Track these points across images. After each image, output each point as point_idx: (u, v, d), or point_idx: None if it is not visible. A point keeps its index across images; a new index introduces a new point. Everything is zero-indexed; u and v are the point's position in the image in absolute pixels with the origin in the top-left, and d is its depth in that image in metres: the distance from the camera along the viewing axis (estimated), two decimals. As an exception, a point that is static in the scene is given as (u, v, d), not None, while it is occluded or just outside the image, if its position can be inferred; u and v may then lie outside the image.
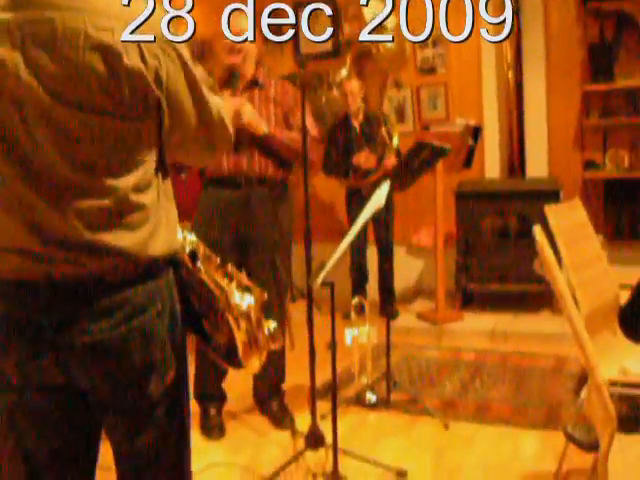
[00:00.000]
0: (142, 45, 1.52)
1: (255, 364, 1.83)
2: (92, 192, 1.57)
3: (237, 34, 3.65)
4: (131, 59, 1.49)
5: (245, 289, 1.82)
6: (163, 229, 1.70)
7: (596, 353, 2.56)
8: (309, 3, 7.20)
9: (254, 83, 3.78)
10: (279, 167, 3.78)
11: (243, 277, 1.86)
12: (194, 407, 3.85)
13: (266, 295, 1.86)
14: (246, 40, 3.66)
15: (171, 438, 1.84)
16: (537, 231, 2.65)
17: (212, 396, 3.94)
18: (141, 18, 1.54)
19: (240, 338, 1.76)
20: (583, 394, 3.24)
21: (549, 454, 3.44)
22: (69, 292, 1.61)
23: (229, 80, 3.65)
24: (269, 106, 3.76)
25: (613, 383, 2.77)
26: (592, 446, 2.98)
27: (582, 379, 4.19)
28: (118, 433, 1.81)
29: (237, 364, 1.83)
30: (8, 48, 1.48)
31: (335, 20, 7.02)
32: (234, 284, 1.81)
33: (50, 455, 1.76)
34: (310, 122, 3.80)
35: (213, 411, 3.93)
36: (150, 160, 1.66)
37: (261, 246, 3.74)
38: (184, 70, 1.63)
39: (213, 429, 3.86)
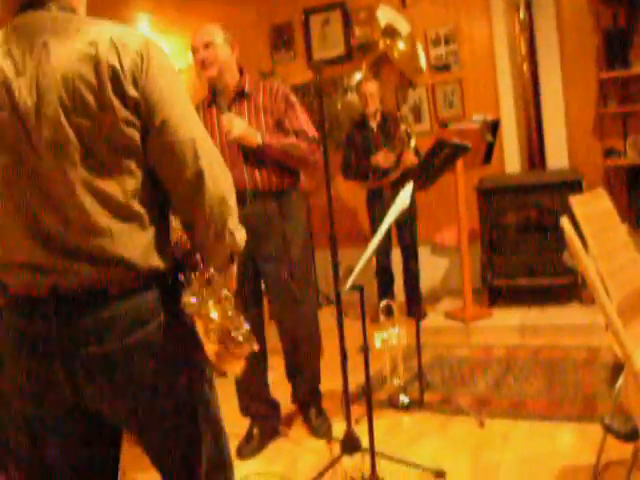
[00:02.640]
0: (120, 51, 1.64)
1: (234, 369, 1.83)
2: (90, 197, 1.65)
3: (206, 46, 3.58)
4: (110, 62, 1.62)
5: (220, 297, 1.83)
6: (162, 241, 1.77)
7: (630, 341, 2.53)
8: (320, 9, 7.27)
9: (241, 94, 3.68)
10: (283, 175, 3.67)
11: (220, 284, 1.85)
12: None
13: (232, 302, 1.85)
14: (215, 51, 3.59)
15: (202, 445, 1.88)
16: (565, 222, 2.63)
17: (253, 414, 3.92)
18: (121, 31, 1.69)
19: (211, 349, 1.77)
20: (619, 384, 3.21)
21: (587, 447, 3.40)
22: (74, 305, 1.68)
23: (213, 99, 3.64)
24: (260, 115, 3.64)
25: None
26: (631, 436, 2.95)
27: (616, 369, 4.15)
28: (144, 447, 1.88)
29: (220, 372, 1.84)
30: (12, 73, 1.64)
31: (346, 25, 7.08)
32: (209, 292, 1.81)
33: (71, 472, 1.84)
34: (306, 122, 3.72)
35: (255, 430, 3.87)
36: (142, 170, 1.72)
37: (272, 258, 3.68)
38: (164, 75, 1.70)
39: (244, 450, 3.81)
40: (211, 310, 1.77)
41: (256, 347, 1.85)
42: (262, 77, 3.79)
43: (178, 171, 1.71)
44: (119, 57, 1.63)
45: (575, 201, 3.17)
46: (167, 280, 1.78)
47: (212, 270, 1.84)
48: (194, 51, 3.63)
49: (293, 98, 3.73)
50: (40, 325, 1.69)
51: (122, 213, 1.68)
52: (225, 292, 1.84)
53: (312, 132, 3.69)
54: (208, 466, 1.90)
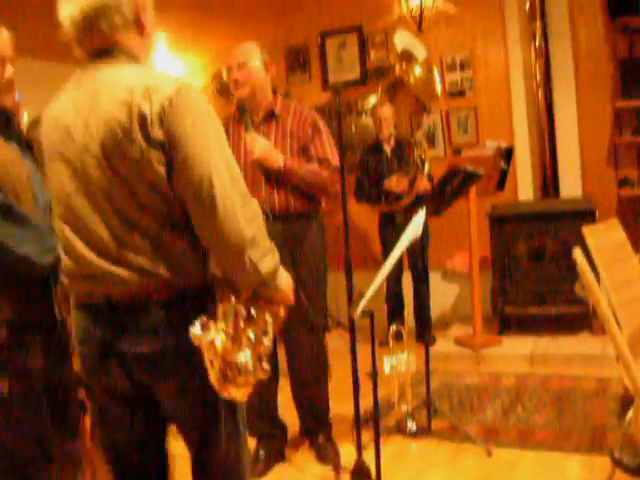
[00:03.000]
0: (152, 98, 1.87)
1: (236, 394, 2.00)
2: (127, 225, 1.95)
3: (240, 66, 3.61)
4: (141, 108, 1.86)
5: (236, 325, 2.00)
6: (191, 265, 2.02)
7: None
8: (336, 32, 7.30)
9: (270, 115, 3.69)
10: (303, 199, 3.66)
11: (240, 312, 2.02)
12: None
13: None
14: (248, 71, 3.61)
15: (218, 448, 2.16)
16: (577, 253, 2.61)
17: (260, 434, 3.88)
18: (159, 78, 1.96)
19: (213, 376, 1.95)
20: (629, 417, 3.18)
21: (595, 479, 3.37)
22: (123, 312, 2.00)
23: (239, 116, 3.63)
24: (286, 138, 3.63)
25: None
26: (640, 470, 2.92)
27: (626, 401, 4.12)
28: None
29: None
30: (72, 114, 1.97)
31: (362, 48, 7.11)
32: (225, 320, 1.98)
33: (130, 450, 2.22)
34: (332, 151, 3.71)
35: (262, 452, 3.84)
36: (172, 202, 1.95)
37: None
38: (190, 116, 1.90)
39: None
40: (217, 338, 1.90)
41: (263, 375, 1.99)
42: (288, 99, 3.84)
43: (195, 205, 1.90)
44: (150, 103, 1.86)
45: (588, 231, 3.16)
46: (196, 299, 2.02)
47: (233, 299, 2.00)
48: (228, 69, 3.67)
49: (322, 125, 3.72)
50: (98, 330, 2.04)
51: (156, 239, 1.95)
52: (259, 316, 2.04)
53: (336, 161, 3.66)
54: (223, 467, 2.19)
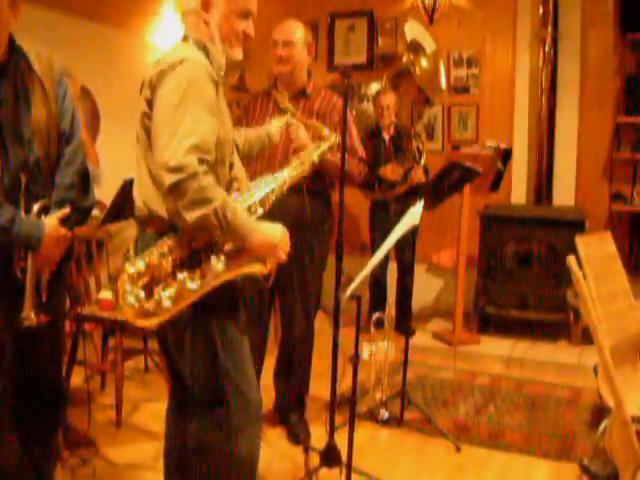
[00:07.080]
0: (156, 72, 2.28)
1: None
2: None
3: (286, 44, 3.63)
4: (152, 79, 2.29)
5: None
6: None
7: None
8: (346, 15, 7.25)
9: (301, 93, 3.72)
10: (319, 179, 3.60)
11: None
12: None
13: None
14: (293, 50, 3.64)
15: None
16: (572, 262, 2.63)
17: None
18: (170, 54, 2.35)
19: None
20: (602, 427, 3.21)
21: (561, 485, 3.41)
22: None
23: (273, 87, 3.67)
24: (311, 118, 3.59)
25: (633, 419, 2.73)
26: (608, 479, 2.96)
27: (597, 412, 4.16)
28: None
29: None
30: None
31: (371, 34, 7.08)
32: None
33: None
34: (358, 141, 3.79)
35: None
36: None
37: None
38: (162, 99, 2.26)
39: None
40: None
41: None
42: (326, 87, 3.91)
43: None
44: (151, 78, 2.27)
45: (581, 241, 3.17)
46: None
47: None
48: (273, 44, 3.66)
49: (349, 114, 3.69)
50: None
51: None
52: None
53: (362, 151, 3.78)
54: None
